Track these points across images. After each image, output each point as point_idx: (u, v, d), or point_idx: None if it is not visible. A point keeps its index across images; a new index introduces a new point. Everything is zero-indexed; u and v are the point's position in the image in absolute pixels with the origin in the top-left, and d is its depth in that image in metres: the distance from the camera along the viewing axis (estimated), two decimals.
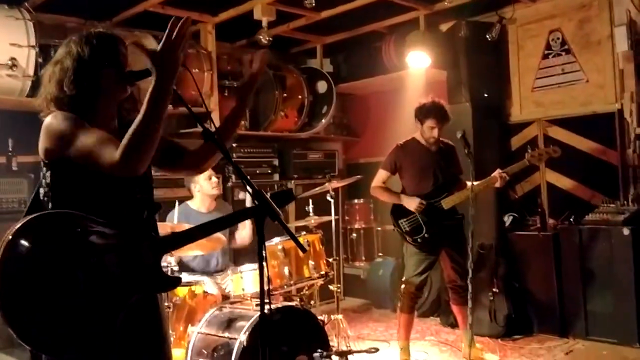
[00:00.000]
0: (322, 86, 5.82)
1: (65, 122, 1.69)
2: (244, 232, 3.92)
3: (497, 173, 3.77)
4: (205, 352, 3.12)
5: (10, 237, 1.54)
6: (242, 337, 2.94)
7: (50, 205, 1.72)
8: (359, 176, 4.45)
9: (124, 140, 1.59)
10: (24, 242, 1.56)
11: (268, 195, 1.84)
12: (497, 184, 3.78)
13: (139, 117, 1.59)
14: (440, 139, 3.85)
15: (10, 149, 4.04)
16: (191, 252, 3.51)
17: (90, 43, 1.78)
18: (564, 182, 4.90)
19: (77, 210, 1.66)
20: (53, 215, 1.68)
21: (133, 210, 1.80)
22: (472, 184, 3.62)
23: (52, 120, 1.71)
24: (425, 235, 3.78)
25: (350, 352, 3.52)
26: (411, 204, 3.78)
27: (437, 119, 3.76)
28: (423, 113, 3.81)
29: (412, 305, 3.88)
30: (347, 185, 4.88)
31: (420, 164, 3.86)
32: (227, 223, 2.09)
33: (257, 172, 5.39)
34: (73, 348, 1.59)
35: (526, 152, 3.89)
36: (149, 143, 1.60)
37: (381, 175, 3.96)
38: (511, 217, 4.90)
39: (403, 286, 3.88)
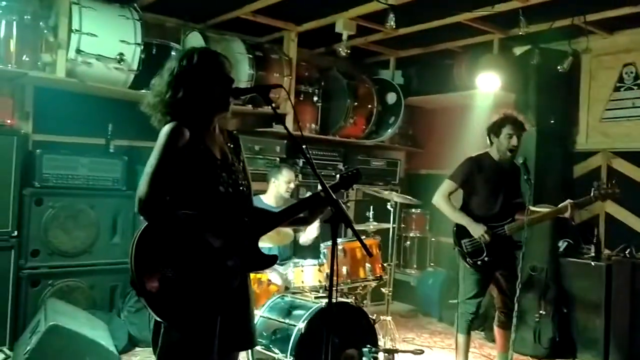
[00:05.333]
0: (391, 97, 6.06)
1: (161, 138, 1.99)
2: (310, 231, 4.24)
3: (568, 202, 3.66)
4: (265, 334, 3.46)
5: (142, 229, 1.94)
6: (300, 325, 3.26)
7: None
8: (419, 201, 4.74)
9: (165, 210, 1.91)
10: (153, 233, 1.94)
11: (337, 177, 2.10)
12: (567, 214, 3.64)
13: (189, 224, 1.96)
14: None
15: (109, 133, 4.51)
16: (262, 244, 3.84)
17: (207, 62, 2.11)
18: (623, 215, 4.94)
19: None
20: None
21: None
22: (528, 209, 3.51)
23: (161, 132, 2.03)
24: (486, 258, 3.72)
25: (397, 350, 3.76)
26: (476, 231, 3.69)
27: (514, 126, 3.70)
28: (498, 124, 3.74)
29: (467, 327, 3.84)
30: (407, 193, 5.10)
31: (492, 182, 3.75)
32: (303, 207, 2.36)
33: (322, 174, 5.64)
34: (192, 321, 1.94)
35: (592, 187, 3.72)
36: (168, 226, 1.94)
37: (448, 186, 3.81)
38: (566, 243, 4.98)
39: (460, 309, 3.84)
